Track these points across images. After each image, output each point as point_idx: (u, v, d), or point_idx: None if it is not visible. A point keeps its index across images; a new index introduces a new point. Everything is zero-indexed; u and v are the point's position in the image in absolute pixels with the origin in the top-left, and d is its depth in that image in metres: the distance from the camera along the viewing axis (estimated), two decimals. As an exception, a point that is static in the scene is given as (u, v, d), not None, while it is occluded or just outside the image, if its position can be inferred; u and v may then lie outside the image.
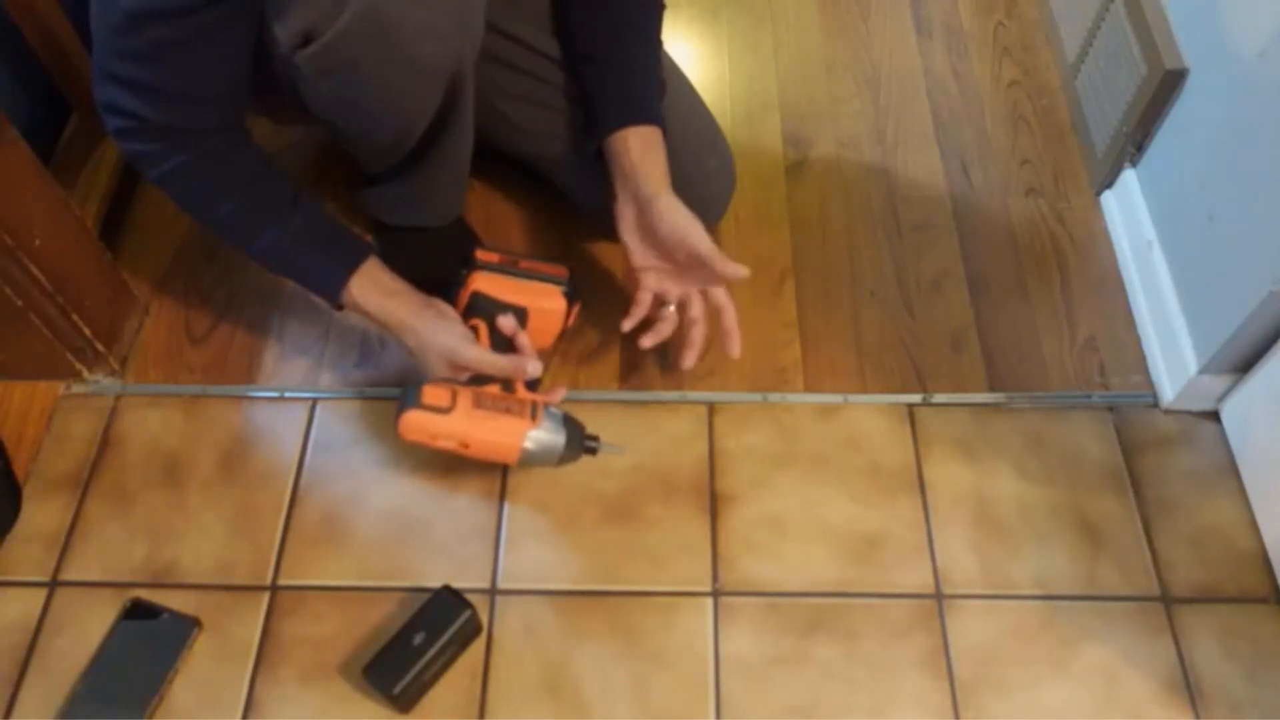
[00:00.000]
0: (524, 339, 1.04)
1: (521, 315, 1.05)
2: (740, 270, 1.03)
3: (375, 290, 1.02)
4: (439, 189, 1.17)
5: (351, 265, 1.01)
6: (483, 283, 1.05)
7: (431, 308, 1.02)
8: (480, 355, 1.00)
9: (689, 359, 1.10)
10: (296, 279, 1.07)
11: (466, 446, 0.99)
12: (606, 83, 1.10)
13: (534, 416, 1.00)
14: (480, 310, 1.04)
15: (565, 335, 1.12)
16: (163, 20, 0.87)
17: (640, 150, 1.05)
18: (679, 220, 1.03)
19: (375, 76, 0.95)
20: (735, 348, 1.08)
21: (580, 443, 1.03)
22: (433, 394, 0.98)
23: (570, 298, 1.07)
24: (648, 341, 1.09)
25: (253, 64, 0.95)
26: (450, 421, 0.98)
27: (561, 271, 1.08)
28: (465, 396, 0.99)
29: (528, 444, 0.99)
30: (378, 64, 0.94)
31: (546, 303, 1.06)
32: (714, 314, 1.10)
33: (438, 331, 1.00)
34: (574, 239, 1.27)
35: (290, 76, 0.96)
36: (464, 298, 1.05)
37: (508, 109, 1.17)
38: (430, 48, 0.94)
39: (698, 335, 1.10)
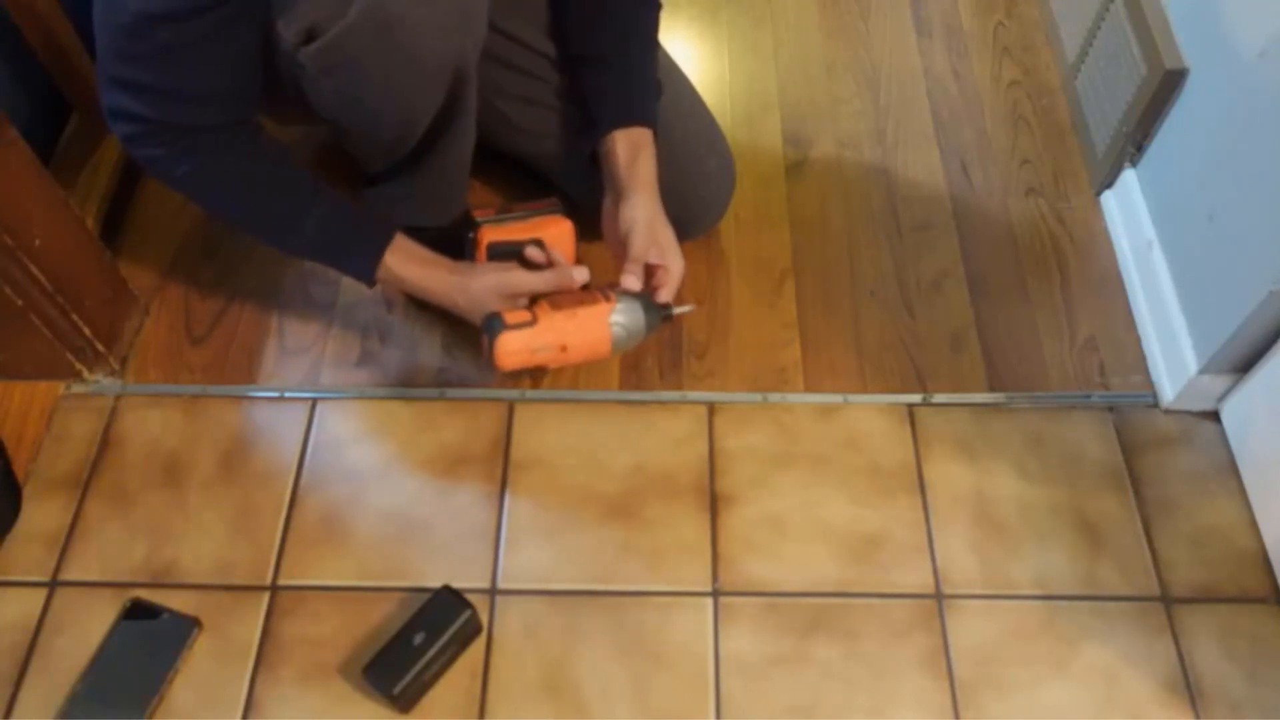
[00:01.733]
0: (558, 256, 1.06)
1: (539, 247, 1.07)
2: (625, 280, 1.02)
3: (411, 260, 1.05)
4: (440, 189, 1.17)
5: (383, 241, 1.03)
6: (493, 233, 1.08)
7: (462, 263, 1.06)
8: (530, 276, 1.03)
9: (663, 295, 1.05)
10: (329, 263, 1.08)
11: (565, 349, 1.01)
12: (602, 84, 1.10)
13: (609, 299, 1.02)
14: (502, 256, 1.07)
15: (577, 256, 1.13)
16: (172, 22, 0.87)
17: (627, 153, 1.06)
18: (635, 217, 1.04)
19: (379, 73, 0.95)
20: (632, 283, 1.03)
21: (658, 312, 1.05)
22: (513, 315, 1.01)
23: (571, 216, 1.11)
24: None
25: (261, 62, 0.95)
26: (541, 330, 1.00)
27: (552, 200, 1.13)
28: (541, 305, 1.02)
29: (615, 326, 1.02)
30: (381, 61, 0.94)
31: (556, 228, 1.09)
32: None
33: (482, 275, 1.03)
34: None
35: (293, 74, 0.96)
36: (481, 253, 1.08)
37: (507, 108, 1.17)
38: (433, 45, 0.94)
39: (667, 276, 1.04)
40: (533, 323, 1.00)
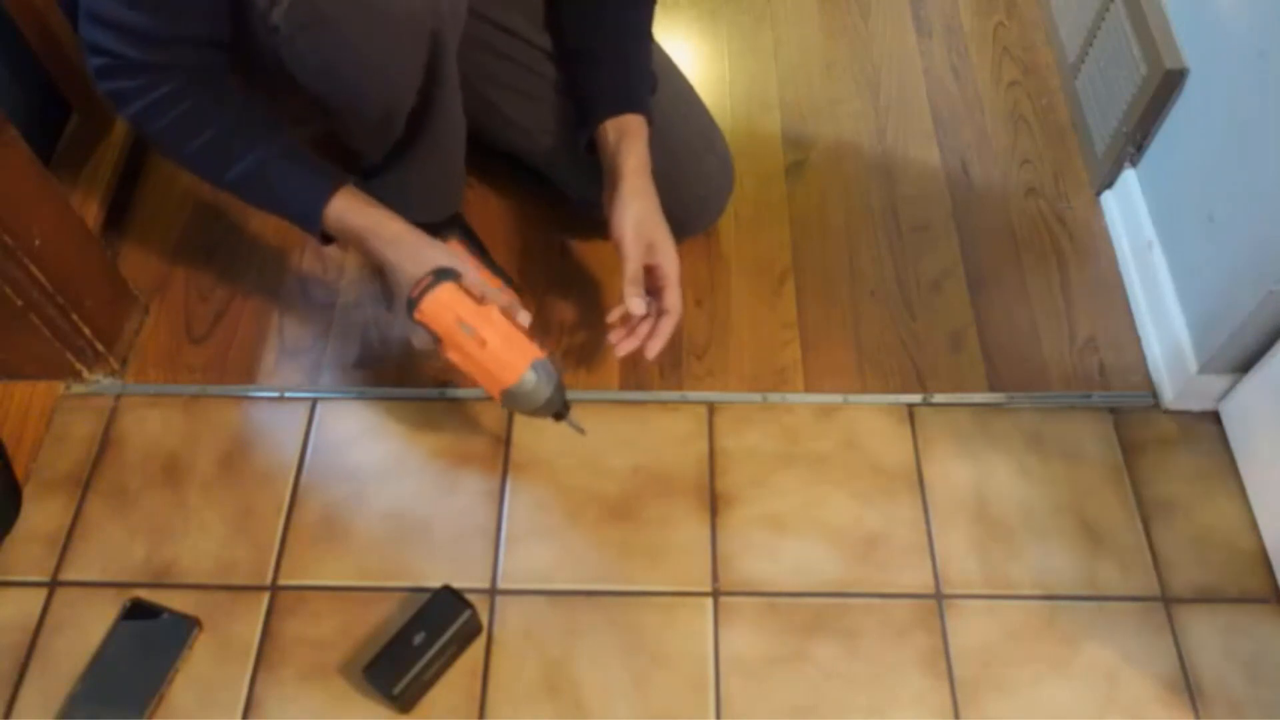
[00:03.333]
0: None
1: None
2: (631, 305, 1.02)
3: (361, 203, 0.99)
4: (435, 180, 1.16)
5: (335, 183, 0.99)
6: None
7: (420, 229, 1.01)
8: (485, 282, 0.99)
9: (651, 349, 1.05)
10: (275, 205, 1.03)
11: (483, 345, 0.96)
12: (595, 77, 1.09)
13: (542, 351, 0.99)
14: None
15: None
16: None
17: (618, 139, 1.05)
18: (624, 220, 1.03)
19: (351, 29, 0.94)
20: (650, 351, 1.04)
21: (561, 400, 1.01)
22: (468, 285, 0.97)
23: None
24: (620, 345, 1.06)
25: (232, 20, 0.95)
26: (480, 313, 0.96)
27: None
28: (492, 303, 0.98)
29: (529, 371, 0.97)
30: (351, 13, 0.92)
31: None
32: (658, 313, 1.06)
33: (434, 245, 0.99)
34: (570, 236, 1.28)
35: (272, 46, 0.95)
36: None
37: (499, 98, 1.16)
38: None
39: (663, 326, 1.05)
40: (479, 301, 0.97)
